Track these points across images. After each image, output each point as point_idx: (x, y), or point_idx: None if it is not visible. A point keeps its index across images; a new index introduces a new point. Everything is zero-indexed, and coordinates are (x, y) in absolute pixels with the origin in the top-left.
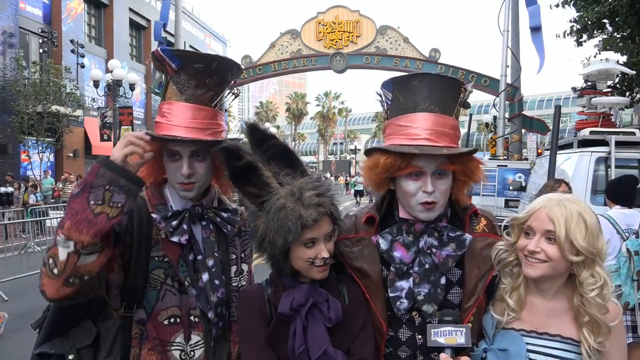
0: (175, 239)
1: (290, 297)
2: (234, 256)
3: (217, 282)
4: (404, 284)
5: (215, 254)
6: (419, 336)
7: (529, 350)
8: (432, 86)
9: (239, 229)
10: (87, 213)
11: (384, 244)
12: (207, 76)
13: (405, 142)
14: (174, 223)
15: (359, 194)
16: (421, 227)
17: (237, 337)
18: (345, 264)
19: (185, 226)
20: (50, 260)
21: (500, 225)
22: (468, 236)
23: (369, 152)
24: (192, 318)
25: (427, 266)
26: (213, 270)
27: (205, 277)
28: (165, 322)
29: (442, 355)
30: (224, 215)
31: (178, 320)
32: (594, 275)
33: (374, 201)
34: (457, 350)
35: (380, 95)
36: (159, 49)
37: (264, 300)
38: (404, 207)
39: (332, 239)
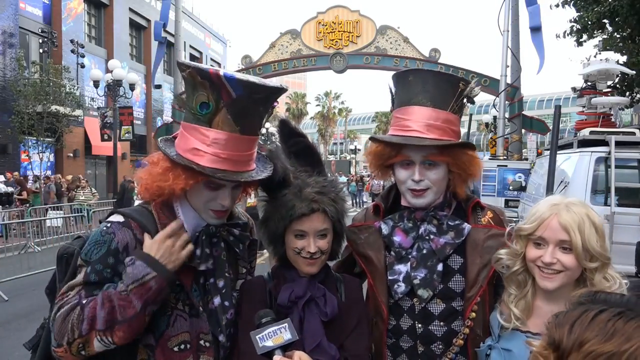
0: (203, 267)
1: (290, 289)
2: (244, 270)
3: (227, 303)
4: (402, 268)
5: (226, 274)
6: (419, 325)
7: None
8: (426, 81)
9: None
10: (141, 326)
11: (385, 229)
12: (262, 105)
13: (398, 132)
14: (198, 252)
15: None
16: (421, 214)
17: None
18: (353, 250)
19: (207, 250)
20: (80, 345)
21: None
22: (467, 226)
23: (370, 140)
24: (201, 342)
25: (424, 251)
26: (224, 291)
27: (217, 300)
28: (176, 348)
29: (276, 358)
30: (235, 232)
31: (188, 346)
32: (608, 278)
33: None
34: (285, 348)
35: (390, 89)
36: (221, 73)
37: (266, 292)
38: (403, 195)
39: (326, 237)
